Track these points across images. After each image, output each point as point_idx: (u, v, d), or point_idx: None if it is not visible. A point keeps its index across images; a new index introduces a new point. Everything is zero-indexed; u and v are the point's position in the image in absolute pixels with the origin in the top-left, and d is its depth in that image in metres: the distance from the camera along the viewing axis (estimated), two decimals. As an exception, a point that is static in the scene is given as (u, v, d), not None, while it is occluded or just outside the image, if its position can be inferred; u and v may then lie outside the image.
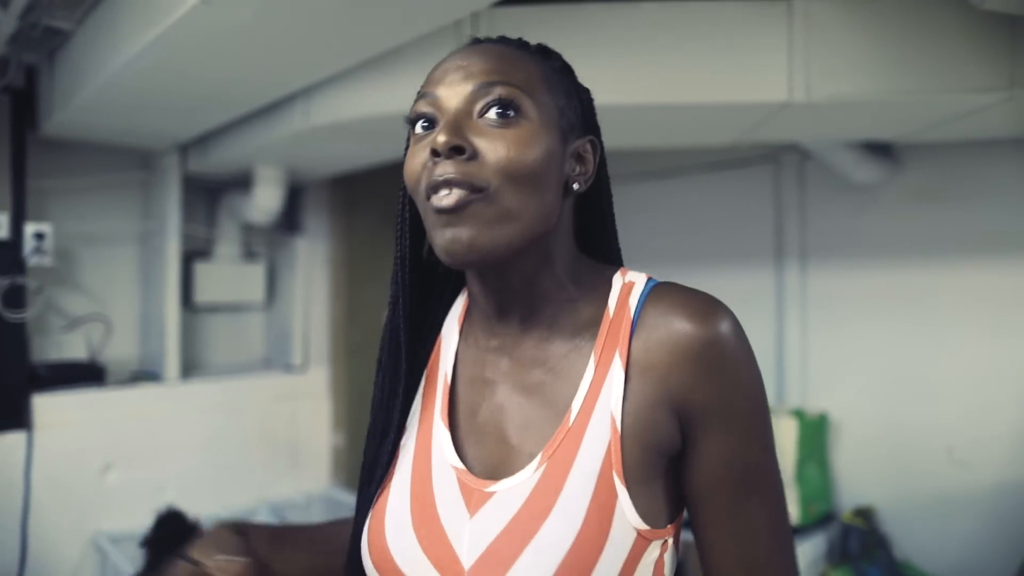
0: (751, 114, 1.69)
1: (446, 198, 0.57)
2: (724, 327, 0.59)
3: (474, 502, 0.60)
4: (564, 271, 0.66)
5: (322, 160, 2.34)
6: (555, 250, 0.65)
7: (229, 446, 2.51)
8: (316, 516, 2.58)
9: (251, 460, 2.57)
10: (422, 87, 0.64)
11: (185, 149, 2.39)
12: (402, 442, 0.69)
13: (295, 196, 2.73)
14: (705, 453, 0.59)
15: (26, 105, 2.09)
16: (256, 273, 2.70)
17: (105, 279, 2.42)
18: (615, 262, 0.72)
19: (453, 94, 0.60)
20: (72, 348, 2.32)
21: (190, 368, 2.56)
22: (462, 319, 0.73)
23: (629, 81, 1.62)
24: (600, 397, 0.60)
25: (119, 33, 1.55)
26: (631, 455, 0.58)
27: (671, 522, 0.61)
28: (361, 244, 2.88)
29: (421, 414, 0.69)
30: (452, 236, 0.58)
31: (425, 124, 0.62)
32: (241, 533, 0.70)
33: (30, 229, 2.06)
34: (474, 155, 0.58)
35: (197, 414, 2.44)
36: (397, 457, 0.68)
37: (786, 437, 2.27)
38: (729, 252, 2.64)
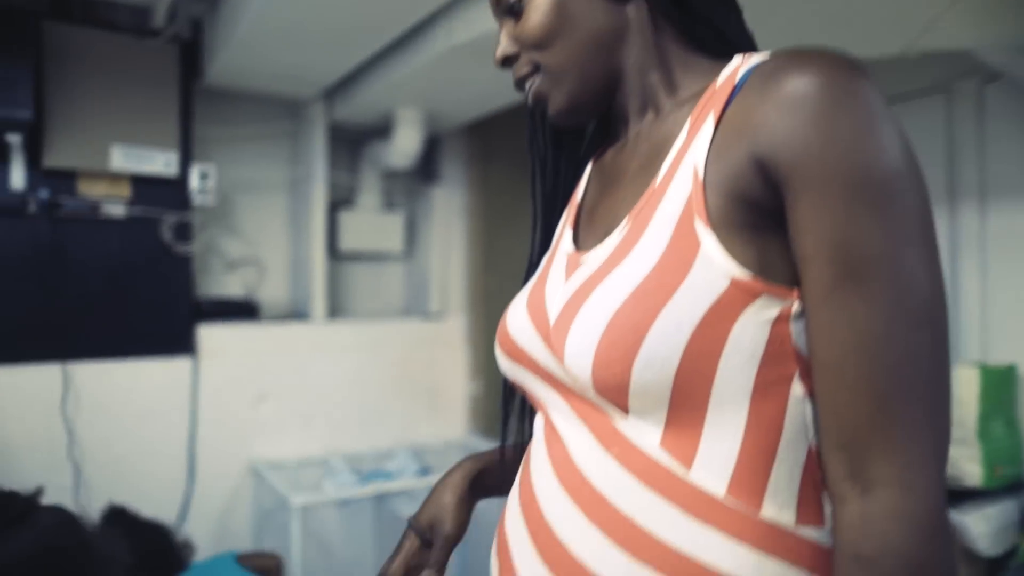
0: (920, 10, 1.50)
1: (527, 94, 0.68)
2: (838, 75, 0.49)
3: (570, 269, 0.64)
4: (660, 78, 0.65)
5: (460, 100, 2.35)
6: (641, 62, 0.65)
7: (370, 387, 2.58)
8: (453, 461, 2.59)
9: (391, 402, 2.62)
10: None
11: (330, 96, 2.48)
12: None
13: (433, 146, 2.76)
14: (799, 218, 0.50)
15: (192, 56, 2.25)
16: (396, 223, 2.76)
17: (259, 224, 2.56)
18: (746, 49, 0.64)
19: (493, 15, 0.70)
20: (230, 287, 2.47)
21: (334, 313, 2.65)
22: (594, 160, 0.76)
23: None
24: (687, 155, 0.56)
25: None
26: (715, 202, 0.53)
27: (782, 284, 0.52)
28: (497, 193, 2.88)
29: (560, 232, 0.74)
30: (549, 116, 0.69)
31: None
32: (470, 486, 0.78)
33: (196, 170, 2.21)
34: (516, 55, 0.67)
35: (341, 354, 2.53)
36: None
37: (966, 390, 2.03)
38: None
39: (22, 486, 1.73)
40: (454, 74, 2.06)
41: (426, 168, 2.80)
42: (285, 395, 2.40)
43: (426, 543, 0.77)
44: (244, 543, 2.30)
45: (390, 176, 2.75)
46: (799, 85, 0.50)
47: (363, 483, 2.18)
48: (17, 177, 1.99)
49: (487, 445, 2.46)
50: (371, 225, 2.71)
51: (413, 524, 0.78)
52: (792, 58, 0.52)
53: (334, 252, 2.65)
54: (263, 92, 2.40)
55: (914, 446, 0.48)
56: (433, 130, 2.64)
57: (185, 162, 2.20)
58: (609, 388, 0.53)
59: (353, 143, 2.68)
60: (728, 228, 0.52)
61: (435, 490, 0.80)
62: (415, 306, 2.86)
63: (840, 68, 0.50)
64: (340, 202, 2.67)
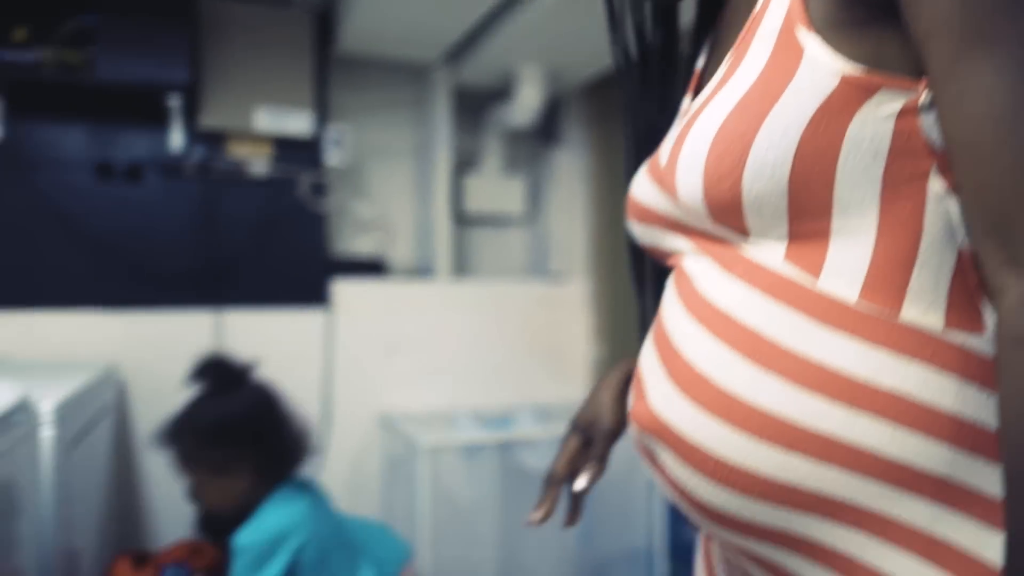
0: None
1: None
2: None
3: (683, 116, 0.64)
4: None
5: (581, 54, 2.34)
6: None
7: (494, 345, 2.62)
8: (574, 422, 2.58)
9: (514, 361, 2.65)
10: None
11: (452, 59, 2.54)
12: None
13: (554, 109, 2.77)
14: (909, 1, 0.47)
15: (326, 24, 2.37)
16: (517, 186, 2.79)
17: (388, 188, 2.66)
18: None
19: None
20: (360, 247, 2.59)
21: (458, 273, 2.71)
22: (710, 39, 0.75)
23: None
24: None
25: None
26: (816, 7, 0.51)
27: (903, 76, 0.49)
28: (620, 155, 2.83)
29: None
30: None
31: None
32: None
33: (330, 131, 2.33)
34: None
35: (465, 312, 2.58)
36: None
37: None
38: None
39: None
40: (575, 24, 2.05)
41: (548, 131, 2.81)
42: (412, 349, 2.48)
43: (587, 441, 0.79)
44: (374, 492, 2.40)
45: (512, 139, 2.78)
46: None
47: (488, 431, 2.21)
48: (176, 139, 2.18)
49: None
50: (493, 188, 2.75)
51: (574, 424, 0.81)
52: None
53: (458, 215, 2.71)
54: (390, 58, 2.50)
55: None
56: (555, 91, 2.65)
57: (320, 124, 2.33)
58: (724, 208, 0.52)
59: (475, 107, 2.73)
60: (834, 29, 0.50)
61: (592, 392, 0.82)
62: (537, 269, 2.87)
63: None
64: (463, 165, 2.73)
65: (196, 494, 1.44)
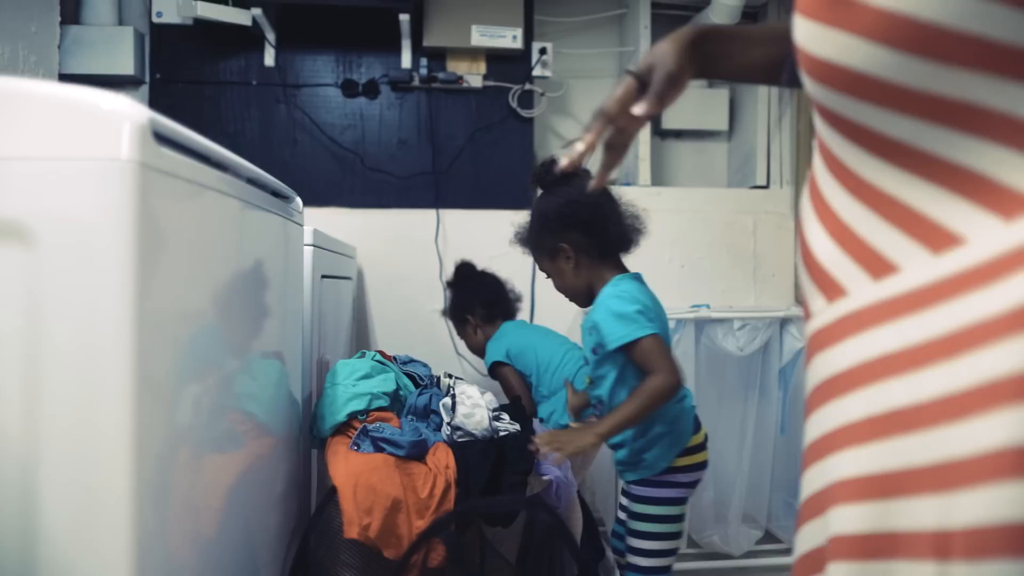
0: None
1: None
2: None
3: None
4: None
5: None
6: None
7: (695, 249, 2.63)
8: (776, 330, 2.50)
9: (714, 267, 2.64)
10: None
11: (654, -30, 2.60)
12: None
13: (754, 17, 2.71)
14: None
15: (533, -52, 2.56)
16: (720, 99, 2.77)
17: (591, 105, 2.78)
18: None
19: None
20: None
21: (659, 185, 2.76)
22: None
23: None
24: None
25: None
26: None
27: None
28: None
29: None
30: None
31: None
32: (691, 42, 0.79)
33: (536, 46, 2.51)
34: None
35: (666, 216, 2.62)
36: None
37: None
38: None
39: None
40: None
41: (750, 42, 2.76)
42: (612, 252, 2.57)
43: (644, 85, 0.77)
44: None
45: (713, 54, 2.78)
46: None
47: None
48: (405, 57, 2.48)
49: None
50: (695, 103, 2.76)
51: (631, 69, 0.78)
52: None
53: (658, 130, 2.76)
54: (593, -23, 2.63)
55: None
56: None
57: (528, 40, 2.52)
58: None
59: (676, 21, 2.77)
60: None
61: (655, 46, 0.81)
62: (740, 182, 2.83)
63: None
64: (664, 83, 2.77)
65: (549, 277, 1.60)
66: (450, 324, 2.36)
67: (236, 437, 1.08)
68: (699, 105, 2.78)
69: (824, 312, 0.57)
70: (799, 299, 0.85)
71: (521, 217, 2.51)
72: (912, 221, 0.50)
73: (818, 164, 0.60)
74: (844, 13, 0.48)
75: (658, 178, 2.78)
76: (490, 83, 2.52)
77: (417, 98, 2.51)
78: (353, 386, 1.40)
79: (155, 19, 2.35)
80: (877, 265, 0.52)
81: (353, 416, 1.37)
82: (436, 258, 2.47)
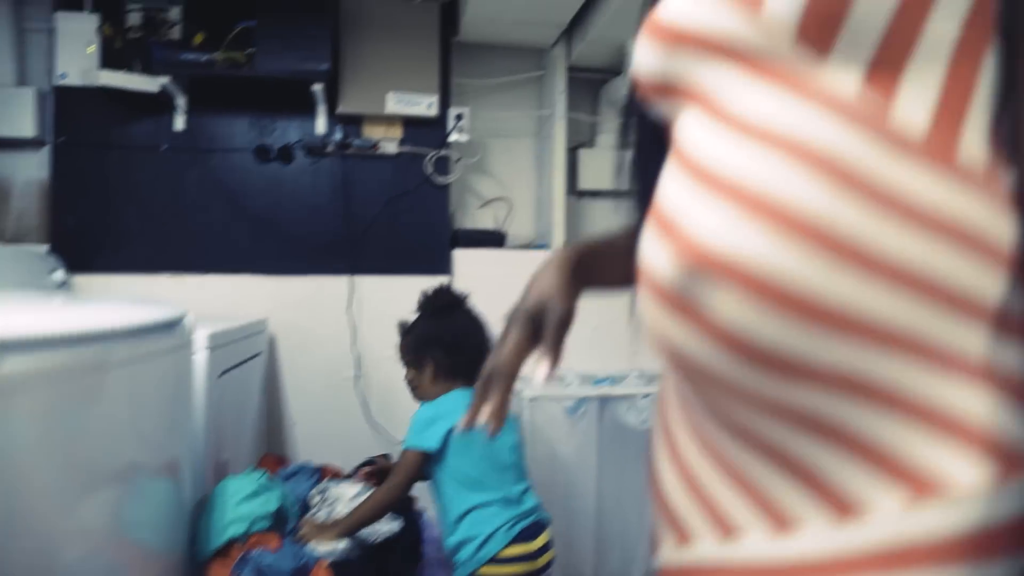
0: None
1: None
2: None
3: None
4: None
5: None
6: None
7: (607, 310, 2.69)
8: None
9: (624, 328, 2.71)
10: None
11: (568, 38, 2.65)
12: None
13: (670, 84, 2.79)
14: None
15: (450, 13, 2.58)
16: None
17: (509, 166, 2.83)
18: None
19: None
20: (482, 222, 2.77)
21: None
22: None
23: None
24: None
25: None
26: None
27: None
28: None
29: None
30: None
31: None
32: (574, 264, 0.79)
33: (452, 111, 2.54)
34: None
35: (578, 281, 2.68)
36: None
37: None
38: None
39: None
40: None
41: (664, 107, 2.84)
42: (527, 316, 2.62)
43: (535, 328, 0.72)
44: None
45: (629, 116, 2.84)
46: None
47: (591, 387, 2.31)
48: (320, 124, 2.48)
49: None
50: (609, 164, 2.83)
51: (516, 312, 0.73)
52: None
53: (574, 190, 2.82)
54: (509, 41, 2.66)
55: None
56: (669, 65, 2.67)
57: (444, 105, 2.54)
58: (821, 24, 0.50)
59: (592, 85, 2.83)
60: None
61: (535, 278, 0.76)
62: (653, 243, 2.91)
63: None
64: (581, 143, 2.84)
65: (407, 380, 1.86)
66: (366, 390, 2.38)
67: (112, 569, 1.09)
68: (614, 165, 2.84)
69: (674, 552, 0.59)
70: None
71: (437, 282, 2.55)
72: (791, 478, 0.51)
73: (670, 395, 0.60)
74: (689, 315, 0.51)
75: (574, 238, 2.84)
76: (406, 149, 2.54)
77: (332, 163, 2.51)
78: (235, 508, 1.42)
79: (58, 81, 2.29)
80: (725, 522, 0.54)
81: (233, 541, 1.39)
82: (349, 325, 2.48)
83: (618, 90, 2.66)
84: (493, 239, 2.69)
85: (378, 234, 2.54)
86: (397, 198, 2.55)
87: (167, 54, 2.23)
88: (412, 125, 2.55)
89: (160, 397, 1.30)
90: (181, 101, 2.39)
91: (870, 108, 0.50)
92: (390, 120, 2.53)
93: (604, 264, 0.84)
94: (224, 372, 1.79)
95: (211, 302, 2.41)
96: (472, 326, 1.85)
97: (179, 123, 2.41)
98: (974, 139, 0.50)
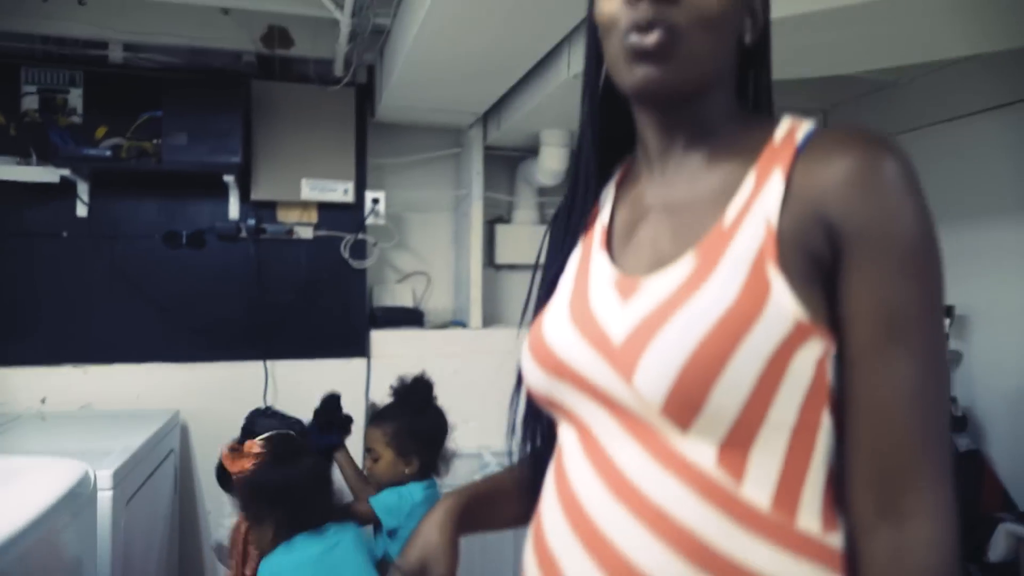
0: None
1: (648, 37, 0.61)
2: (892, 156, 0.58)
3: (627, 293, 0.66)
4: (729, 113, 0.70)
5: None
6: (724, 91, 0.69)
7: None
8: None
9: (540, 404, 2.79)
10: None
11: (485, 121, 2.70)
12: (562, 277, 0.76)
13: (584, 162, 2.88)
14: (853, 282, 0.58)
15: (366, 97, 2.59)
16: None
17: (427, 241, 2.86)
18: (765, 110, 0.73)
19: None
20: (401, 297, 2.80)
21: (492, 320, 2.88)
22: (620, 177, 0.79)
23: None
24: (756, 203, 0.62)
25: (409, 17, 1.85)
26: (786, 251, 0.59)
27: (828, 329, 0.60)
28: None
29: (581, 250, 0.76)
30: (647, 73, 0.63)
31: None
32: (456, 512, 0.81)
33: (369, 195, 2.55)
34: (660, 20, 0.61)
35: (495, 358, 2.73)
36: (558, 288, 0.75)
37: None
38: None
39: None
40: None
41: (578, 183, 2.92)
42: (444, 395, 2.66)
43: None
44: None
45: (545, 192, 2.92)
46: (864, 164, 0.58)
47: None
48: (233, 209, 2.45)
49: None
50: (526, 238, 2.90)
51: (402, 567, 0.76)
52: (854, 137, 0.60)
53: (492, 264, 2.88)
54: (426, 122, 2.69)
55: (944, 481, 0.57)
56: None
57: (360, 190, 2.55)
58: (681, 409, 0.58)
59: (509, 162, 2.89)
60: (793, 275, 0.59)
61: (419, 530, 0.79)
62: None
63: (893, 150, 0.59)
64: (499, 218, 2.90)
65: None
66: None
67: None
68: (531, 240, 2.92)
69: None
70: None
71: (354, 365, 2.57)
72: None
73: None
74: None
75: (492, 313, 2.90)
76: (321, 233, 2.54)
77: (246, 248, 2.48)
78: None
79: (-51, 168, 2.18)
80: None
81: None
82: (265, 413, 2.47)
83: (533, 171, 2.73)
84: (411, 317, 2.71)
85: (294, 318, 2.53)
86: (313, 282, 2.55)
87: (68, 148, 2.16)
88: (328, 209, 2.55)
89: (62, 561, 1.29)
90: (83, 188, 2.31)
91: (723, 484, 0.59)
92: (305, 205, 2.52)
93: (490, 509, 0.89)
94: (131, 497, 1.76)
95: (118, 393, 2.36)
96: (444, 421, 2.00)
97: (81, 210, 2.33)
98: (809, 510, 0.60)
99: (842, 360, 0.59)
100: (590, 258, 0.73)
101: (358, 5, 2.05)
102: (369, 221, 2.56)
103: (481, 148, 2.75)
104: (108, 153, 2.15)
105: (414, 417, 1.90)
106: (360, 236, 2.57)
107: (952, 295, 2.39)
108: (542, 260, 0.85)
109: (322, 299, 2.56)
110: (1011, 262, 2.19)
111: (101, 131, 2.19)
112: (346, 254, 2.56)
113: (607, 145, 0.78)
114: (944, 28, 1.63)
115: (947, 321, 2.31)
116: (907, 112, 2.49)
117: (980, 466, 2.25)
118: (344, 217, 2.56)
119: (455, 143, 2.84)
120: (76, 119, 2.27)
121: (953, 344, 2.36)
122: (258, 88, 2.42)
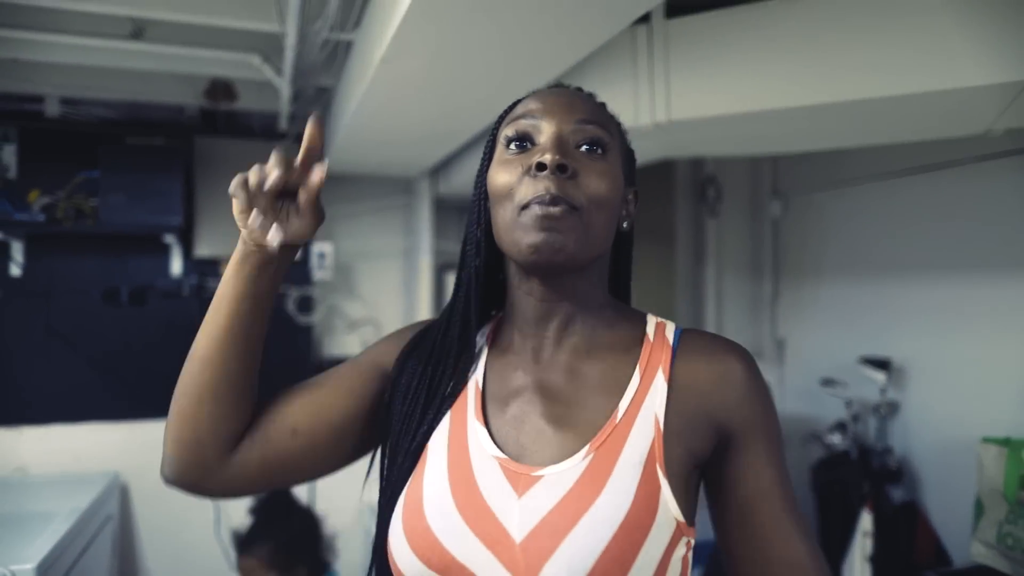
0: (997, 96, 1.40)
1: (551, 207, 0.66)
2: (753, 362, 0.70)
3: (521, 485, 0.65)
4: (603, 295, 0.75)
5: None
6: (601, 274, 0.75)
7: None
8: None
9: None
10: (520, 110, 0.73)
11: (434, 175, 2.70)
12: (429, 442, 0.72)
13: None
14: (752, 465, 0.67)
15: (314, 148, 2.57)
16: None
17: (376, 288, 2.85)
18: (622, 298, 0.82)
19: (556, 123, 0.70)
20: (351, 346, 2.78)
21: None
22: (491, 336, 0.79)
23: (827, 77, 1.46)
24: (645, 402, 0.67)
25: (350, 86, 1.85)
26: (672, 453, 0.65)
27: (691, 526, 0.66)
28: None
29: (451, 415, 0.73)
30: (550, 239, 0.66)
31: (519, 143, 0.71)
32: None
33: (315, 249, 2.53)
34: (574, 175, 0.67)
35: (444, 409, 2.75)
36: (425, 455, 0.72)
37: None
38: (976, 260, 2.18)
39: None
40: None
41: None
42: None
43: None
44: (356, 568, 2.59)
45: (494, 239, 2.93)
46: (738, 367, 0.69)
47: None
48: (175, 265, 2.41)
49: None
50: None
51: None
52: (721, 344, 0.71)
53: (441, 311, 2.87)
54: (375, 175, 2.68)
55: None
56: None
57: (306, 244, 2.53)
58: None
59: (459, 212, 2.89)
60: (676, 476, 0.65)
61: None
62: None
63: (750, 356, 0.71)
64: (448, 265, 2.90)
65: None
66: (226, 534, 2.35)
67: None
68: (482, 287, 2.93)
69: None
70: None
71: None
72: None
73: None
74: None
75: (442, 359, 2.90)
76: (267, 288, 2.51)
77: (188, 304, 2.45)
78: None
79: None
80: None
81: None
82: (208, 473, 2.44)
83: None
84: (359, 368, 2.70)
85: (238, 374, 2.50)
86: (258, 337, 2.52)
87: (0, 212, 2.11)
88: (273, 263, 2.52)
89: None
90: (18, 247, 2.26)
91: None
92: (250, 260, 2.49)
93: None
94: (63, 579, 1.73)
95: (55, 455, 2.31)
96: (312, 516, 1.95)
97: (15, 269, 2.28)
98: None
99: (747, 534, 0.67)
100: (466, 429, 0.71)
101: (299, 71, 2.04)
102: (316, 276, 2.54)
103: (429, 199, 2.75)
104: (42, 218, 2.11)
105: (283, 529, 1.82)
106: (306, 290, 2.55)
107: (890, 348, 2.47)
108: (378, 359, 0.83)
109: (267, 354, 2.52)
110: (946, 317, 2.26)
111: (34, 195, 2.14)
112: (292, 309, 2.54)
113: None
114: (881, 121, 1.67)
115: (884, 374, 2.37)
116: (847, 170, 2.55)
117: (914, 516, 2.32)
118: (290, 271, 2.53)
119: (405, 191, 2.84)
120: (10, 176, 2.22)
121: (891, 395, 2.43)
122: (201, 143, 2.39)
